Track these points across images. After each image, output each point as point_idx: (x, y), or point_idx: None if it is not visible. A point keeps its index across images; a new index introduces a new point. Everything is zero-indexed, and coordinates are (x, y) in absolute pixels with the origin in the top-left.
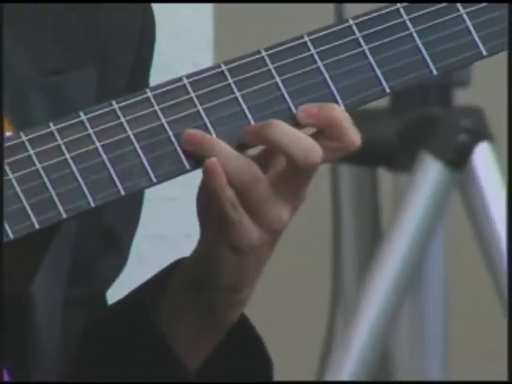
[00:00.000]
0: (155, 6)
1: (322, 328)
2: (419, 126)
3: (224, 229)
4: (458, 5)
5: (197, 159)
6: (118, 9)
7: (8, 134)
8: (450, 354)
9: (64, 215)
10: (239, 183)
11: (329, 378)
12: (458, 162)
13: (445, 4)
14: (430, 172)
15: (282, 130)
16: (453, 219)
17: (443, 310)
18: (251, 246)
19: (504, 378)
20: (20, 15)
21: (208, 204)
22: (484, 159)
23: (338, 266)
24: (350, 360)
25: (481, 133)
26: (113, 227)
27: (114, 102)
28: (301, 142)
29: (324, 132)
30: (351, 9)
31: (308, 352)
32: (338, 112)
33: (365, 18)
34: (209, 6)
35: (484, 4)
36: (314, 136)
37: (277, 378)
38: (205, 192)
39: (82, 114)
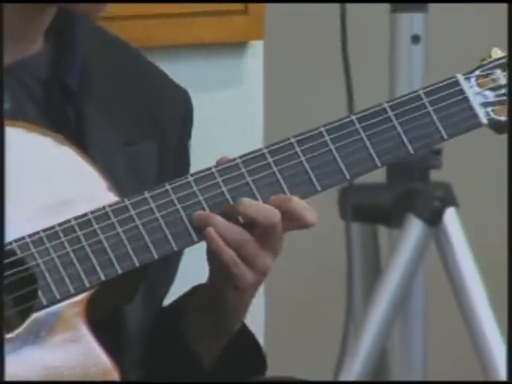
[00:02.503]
0: (216, 100)
1: (339, 334)
2: (406, 195)
3: (228, 275)
4: (427, 103)
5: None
6: (172, 96)
7: (116, 199)
8: (428, 352)
9: (175, 248)
10: (235, 244)
11: (344, 369)
12: (434, 221)
13: (417, 103)
14: (414, 228)
15: (248, 204)
16: (430, 261)
17: (423, 323)
18: (247, 285)
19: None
20: (101, 89)
21: (213, 258)
22: (452, 219)
23: (350, 292)
24: (360, 357)
25: (449, 200)
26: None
27: (189, 176)
28: (263, 209)
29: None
30: (352, 7)
31: (329, 351)
32: (295, 203)
33: (363, 114)
34: (260, 102)
35: (446, 102)
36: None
37: (305, 372)
38: (209, 250)
39: (167, 184)
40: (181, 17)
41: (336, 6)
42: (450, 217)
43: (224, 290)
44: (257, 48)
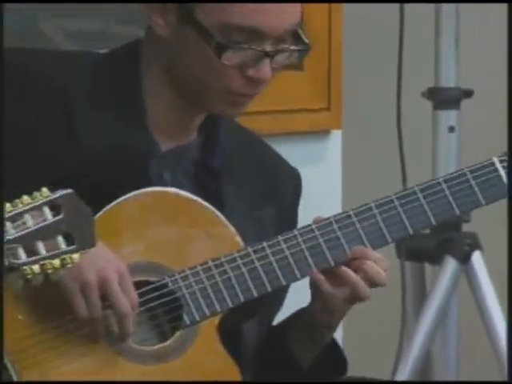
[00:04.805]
0: (305, 176)
1: (395, 342)
2: (445, 241)
3: (325, 301)
4: (470, 178)
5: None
6: (288, 175)
7: (242, 244)
8: (461, 355)
9: (283, 283)
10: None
11: (400, 367)
12: (465, 260)
13: (463, 178)
14: (450, 265)
15: (372, 268)
16: (462, 290)
17: (457, 334)
18: (338, 310)
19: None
20: (235, 169)
21: (316, 290)
22: (478, 259)
23: (404, 311)
24: (411, 358)
25: (475, 245)
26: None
27: (295, 230)
28: (380, 274)
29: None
30: (405, 107)
31: (388, 355)
32: (372, 255)
33: (424, 186)
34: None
35: (485, 177)
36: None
37: (370, 372)
38: (313, 285)
39: (279, 237)
40: (281, 113)
41: (393, 103)
42: (477, 257)
43: (321, 313)
44: (337, 135)
